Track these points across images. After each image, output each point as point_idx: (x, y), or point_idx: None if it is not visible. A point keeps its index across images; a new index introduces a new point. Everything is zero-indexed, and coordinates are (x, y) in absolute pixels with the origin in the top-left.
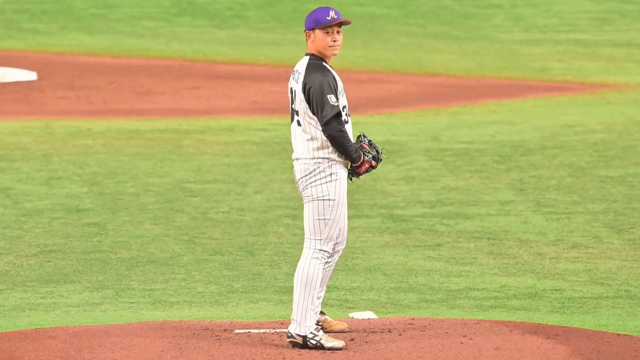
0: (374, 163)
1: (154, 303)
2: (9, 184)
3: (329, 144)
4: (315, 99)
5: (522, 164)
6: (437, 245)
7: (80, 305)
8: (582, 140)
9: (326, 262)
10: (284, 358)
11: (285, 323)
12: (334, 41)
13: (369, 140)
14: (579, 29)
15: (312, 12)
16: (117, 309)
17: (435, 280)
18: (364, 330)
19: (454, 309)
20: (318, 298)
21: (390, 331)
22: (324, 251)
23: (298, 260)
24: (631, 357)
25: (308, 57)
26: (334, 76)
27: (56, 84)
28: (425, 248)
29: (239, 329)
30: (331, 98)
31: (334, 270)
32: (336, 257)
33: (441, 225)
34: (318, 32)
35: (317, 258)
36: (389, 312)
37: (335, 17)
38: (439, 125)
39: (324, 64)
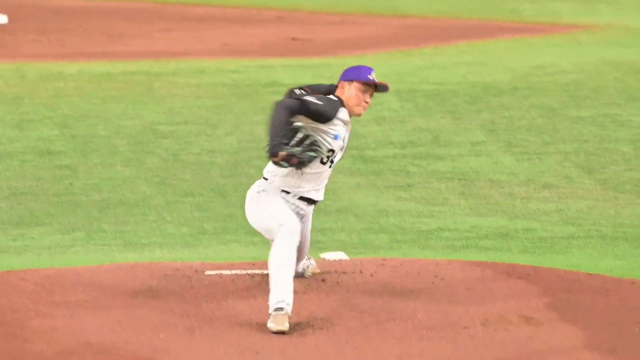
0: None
1: (125, 245)
2: None
3: (284, 176)
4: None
5: (493, 104)
6: (408, 186)
7: (52, 247)
8: (553, 81)
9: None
10: (255, 299)
11: (257, 264)
12: (366, 102)
13: (304, 148)
14: None
15: (355, 67)
16: (89, 251)
17: (407, 220)
18: (336, 272)
19: (426, 249)
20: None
21: (361, 272)
22: (286, 231)
23: None
24: (602, 297)
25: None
26: (338, 109)
27: (28, 28)
28: (397, 189)
29: (210, 270)
30: (311, 97)
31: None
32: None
33: (412, 166)
34: (355, 86)
35: (287, 242)
36: (361, 253)
37: (376, 80)
38: (410, 66)
39: (343, 107)
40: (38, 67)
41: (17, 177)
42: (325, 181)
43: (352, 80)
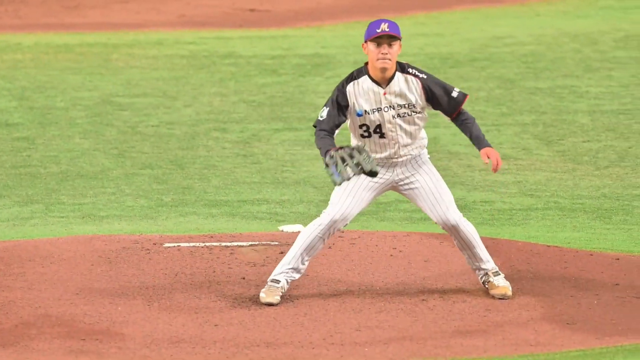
0: (330, 163)
1: (83, 217)
2: None
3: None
4: None
5: (451, 75)
6: None
7: (10, 219)
8: (511, 52)
9: (321, 236)
10: (214, 271)
11: (215, 236)
12: (383, 54)
13: (352, 152)
14: None
15: (368, 26)
16: (47, 224)
17: None
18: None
19: (384, 221)
20: (301, 260)
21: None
22: (327, 214)
23: (227, 173)
24: (560, 268)
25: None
26: (341, 94)
27: None
28: None
29: (168, 242)
30: (324, 110)
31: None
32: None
33: None
34: (370, 45)
35: (315, 225)
36: None
37: (387, 30)
38: None
39: (361, 77)
40: None
41: None
42: (394, 149)
43: (366, 42)
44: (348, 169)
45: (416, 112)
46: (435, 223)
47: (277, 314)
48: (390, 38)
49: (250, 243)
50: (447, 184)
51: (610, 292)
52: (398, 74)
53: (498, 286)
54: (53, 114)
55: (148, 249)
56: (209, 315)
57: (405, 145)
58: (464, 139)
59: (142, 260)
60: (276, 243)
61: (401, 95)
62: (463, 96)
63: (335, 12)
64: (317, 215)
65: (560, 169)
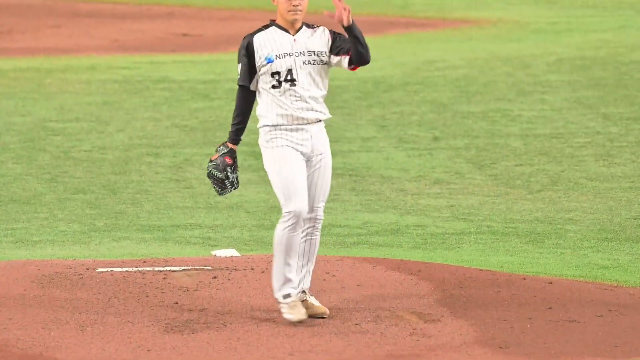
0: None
1: (16, 242)
2: None
3: (267, 112)
4: None
5: (383, 100)
6: None
7: None
8: (443, 76)
9: (291, 225)
10: (147, 296)
11: (148, 261)
12: (295, 5)
13: (225, 164)
14: None
15: None
16: None
17: None
18: (227, 268)
19: None
20: (287, 264)
21: (253, 269)
22: (285, 213)
23: (160, 198)
24: (493, 292)
25: None
26: (248, 44)
27: None
28: None
29: (101, 267)
30: (238, 67)
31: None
32: (310, 230)
33: None
34: None
35: (280, 222)
36: (252, 250)
37: None
38: None
39: (269, 27)
40: None
41: None
42: (306, 104)
43: None
44: (224, 186)
45: (323, 63)
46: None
47: (210, 338)
48: None
49: (183, 268)
50: (380, 208)
51: (543, 316)
52: (305, 26)
53: (315, 305)
54: None
55: (81, 274)
56: (142, 340)
57: (313, 98)
58: (396, 162)
59: (75, 285)
60: (209, 268)
61: (310, 42)
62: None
63: None
64: (247, 240)
65: (493, 193)
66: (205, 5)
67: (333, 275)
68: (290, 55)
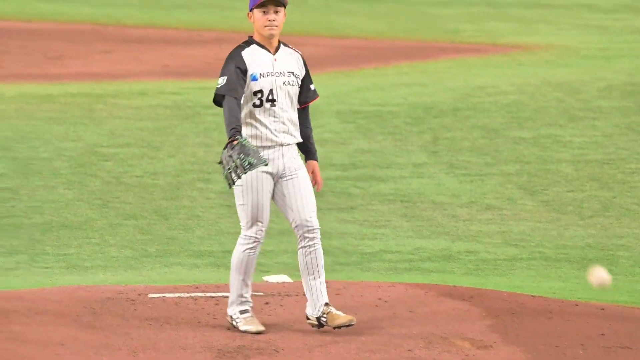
0: (224, 161)
1: (68, 268)
2: None
3: (244, 128)
4: None
5: (434, 125)
6: (351, 208)
7: None
8: (494, 101)
9: (251, 248)
10: (199, 322)
11: (200, 287)
12: (270, 21)
13: (242, 149)
14: None
15: None
16: (31, 274)
17: (349, 243)
18: (279, 294)
19: (368, 271)
20: (246, 285)
21: (304, 295)
22: (247, 236)
23: (212, 223)
24: (546, 319)
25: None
26: (239, 59)
27: None
28: (339, 211)
29: (153, 293)
30: (219, 80)
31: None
32: (311, 242)
33: (355, 188)
34: (256, 12)
35: (241, 244)
36: None
37: None
38: (351, 87)
39: (251, 45)
40: None
41: None
42: (283, 125)
43: (251, 10)
44: (234, 175)
45: (298, 85)
46: (293, 225)
47: None
48: (277, 5)
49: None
50: (431, 234)
51: (595, 342)
52: (282, 45)
53: (341, 315)
54: (36, 165)
55: (133, 300)
56: None
57: (290, 120)
58: (447, 188)
59: (126, 310)
60: (261, 293)
61: (288, 64)
62: (316, 94)
63: (317, 62)
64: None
65: (545, 219)
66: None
67: (385, 302)
68: (271, 75)
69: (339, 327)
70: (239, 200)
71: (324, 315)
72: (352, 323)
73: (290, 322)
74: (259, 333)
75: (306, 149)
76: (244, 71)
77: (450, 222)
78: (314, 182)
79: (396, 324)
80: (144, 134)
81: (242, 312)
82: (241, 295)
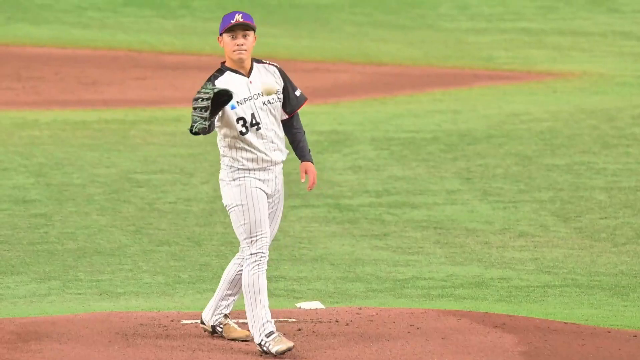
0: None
1: (101, 294)
2: None
3: (234, 154)
4: None
5: (468, 152)
6: (384, 235)
7: (27, 296)
8: (528, 128)
9: (258, 265)
10: (232, 348)
11: (233, 313)
12: (238, 45)
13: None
14: (525, 18)
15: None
16: (64, 300)
17: (382, 269)
18: (311, 321)
19: (401, 298)
20: (263, 306)
21: (337, 321)
22: (252, 254)
23: None
24: (578, 346)
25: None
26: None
27: (2, 75)
28: (372, 237)
29: (186, 319)
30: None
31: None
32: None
33: (388, 215)
34: (225, 37)
35: (248, 265)
36: (336, 302)
37: (241, 19)
38: (385, 114)
39: (224, 73)
40: (12, 115)
41: None
42: (272, 144)
43: (221, 34)
44: (203, 112)
45: (279, 100)
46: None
47: None
48: (245, 29)
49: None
50: (464, 261)
51: None
52: (255, 64)
53: (238, 330)
54: (70, 191)
55: (165, 326)
56: None
57: (277, 137)
58: (480, 215)
59: (159, 337)
60: (293, 320)
61: (264, 82)
62: (303, 99)
63: (352, 89)
64: (331, 293)
65: (578, 246)
66: (290, 57)
67: (417, 328)
68: (250, 99)
69: (234, 339)
70: (239, 221)
71: (221, 325)
72: (248, 339)
73: (322, 349)
74: (289, 349)
75: (300, 152)
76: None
77: (483, 249)
78: (310, 182)
79: (428, 351)
80: (177, 160)
81: (267, 335)
82: (261, 318)
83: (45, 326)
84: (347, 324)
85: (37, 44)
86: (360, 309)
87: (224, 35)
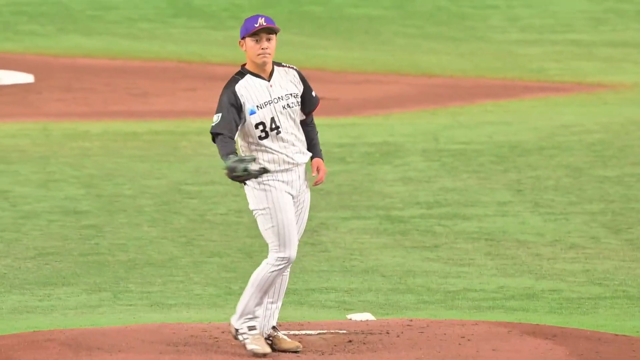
0: (236, 173)
1: (151, 305)
2: (7, 186)
3: (253, 155)
4: None
5: (519, 164)
6: (435, 247)
7: (78, 307)
8: (579, 140)
9: (282, 269)
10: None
11: (284, 325)
12: (263, 49)
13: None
14: (575, 29)
15: (244, 21)
16: (115, 312)
17: (433, 281)
18: (362, 332)
19: (452, 310)
20: (261, 303)
21: (388, 333)
22: (280, 258)
23: (295, 261)
24: (629, 358)
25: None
26: (233, 95)
27: (53, 86)
28: (423, 249)
29: None
30: (214, 117)
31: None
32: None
33: (439, 226)
34: (248, 41)
35: (271, 264)
36: (387, 314)
37: (265, 23)
38: (436, 126)
39: (244, 76)
40: (63, 126)
41: (43, 237)
42: (294, 147)
43: (243, 38)
44: (252, 166)
45: (298, 104)
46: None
47: None
48: (269, 32)
49: (318, 332)
50: (515, 273)
51: None
52: (275, 67)
53: (288, 341)
54: (121, 202)
55: (216, 338)
56: None
57: (298, 139)
58: (531, 227)
59: (210, 348)
60: (344, 332)
61: (285, 86)
62: (318, 99)
63: (402, 100)
64: (382, 304)
65: (629, 258)
66: (341, 69)
67: (468, 340)
68: (270, 103)
69: (285, 351)
70: (266, 224)
71: (270, 338)
72: (299, 349)
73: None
74: (264, 355)
75: (313, 149)
76: (239, 107)
77: (534, 261)
78: (318, 178)
79: None
80: None
81: (250, 328)
82: (254, 312)
83: (96, 337)
84: (397, 336)
85: (87, 55)
86: (411, 320)
87: (247, 39)
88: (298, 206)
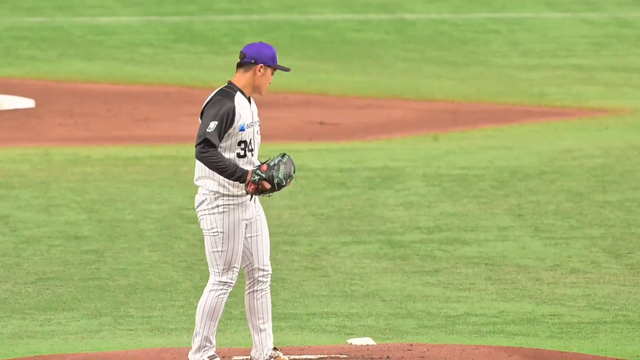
0: (265, 185)
1: (152, 330)
2: (8, 211)
3: (218, 178)
4: (203, 118)
5: (520, 189)
6: (436, 271)
7: (79, 332)
8: (580, 165)
9: (224, 293)
10: None
11: (284, 349)
12: (270, 83)
13: (279, 162)
14: (577, 54)
15: (265, 46)
16: (116, 336)
17: (434, 306)
18: (363, 357)
19: (453, 334)
20: (214, 330)
21: (388, 357)
22: (222, 282)
23: (296, 286)
24: None
25: (224, 86)
26: (233, 109)
27: (54, 111)
28: (424, 274)
29: (237, 355)
30: (211, 124)
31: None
32: (264, 286)
33: (439, 251)
34: (269, 70)
35: (214, 290)
36: (388, 338)
37: (286, 66)
38: (437, 150)
39: (237, 94)
40: (65, 151)
41: (44, 262)
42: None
43: (269, 66)
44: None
45: None
46: (249, 268)
47: None
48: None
49: (318, 356)
50: (515, 297)
51: None
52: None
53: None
54: (122, 227)
55: None
56: None
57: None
58: (532, 252)
59: None
60: (345, 356)
61: (255, 112)
62: None
63: (403, 125)
64: (383, 329)
65: (630, 282)
66: (342, 93)
67: None
68: (252, 125)
69: None
70: (216, 247)
71: (272, 358)
72: None
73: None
74: None
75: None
76: (230, 122)
77: (535, 285)
78: None
79: None
80: None
81: (210, 357)
82: (210, 341)
83: None
84: None
85: (89, 80)
86: (411, 345)
87: (270, 69)
88: (256, 226)
